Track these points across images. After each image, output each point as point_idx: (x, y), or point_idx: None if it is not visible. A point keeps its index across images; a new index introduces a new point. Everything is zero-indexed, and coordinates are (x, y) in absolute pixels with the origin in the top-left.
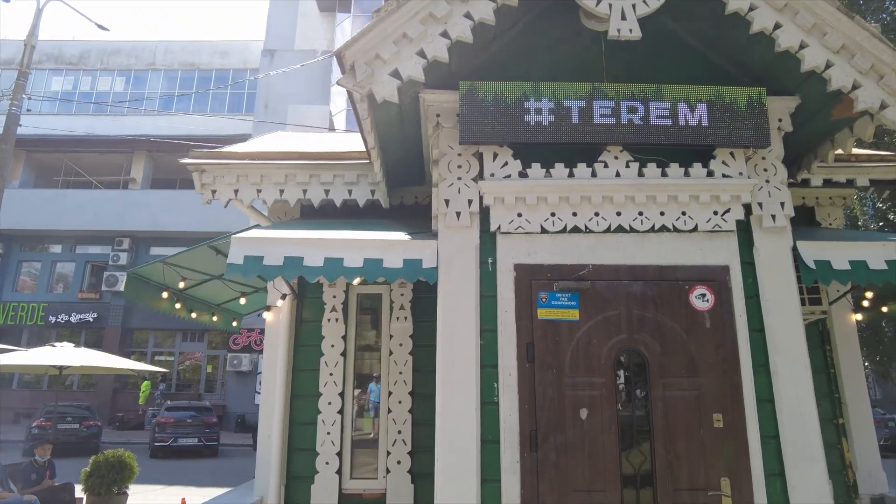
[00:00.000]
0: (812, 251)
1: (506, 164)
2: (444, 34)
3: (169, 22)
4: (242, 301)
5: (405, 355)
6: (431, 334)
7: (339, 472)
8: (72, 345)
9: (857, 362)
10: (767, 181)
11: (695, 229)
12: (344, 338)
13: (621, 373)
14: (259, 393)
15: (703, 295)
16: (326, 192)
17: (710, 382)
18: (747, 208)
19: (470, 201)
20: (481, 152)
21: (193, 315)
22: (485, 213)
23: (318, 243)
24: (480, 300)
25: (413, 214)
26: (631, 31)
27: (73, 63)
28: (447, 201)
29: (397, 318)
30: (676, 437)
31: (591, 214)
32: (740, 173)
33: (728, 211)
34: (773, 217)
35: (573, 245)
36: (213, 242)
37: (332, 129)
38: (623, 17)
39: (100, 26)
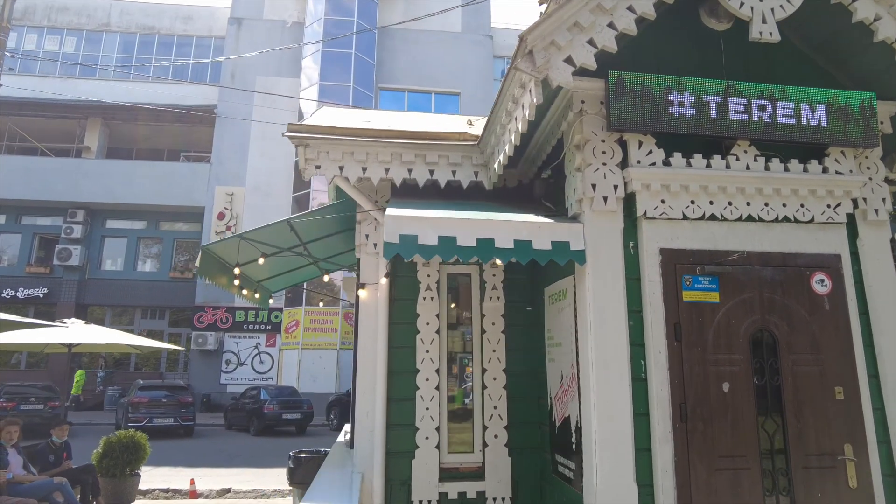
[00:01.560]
0: None
1: (650, 152)
2: (611, 25)
3: None
4: (326, 279)
5: (498, 334)
6: (522, 314)
7: (437, 446)
8: (81, 322)
9: None
10: (870, 178)
11: (811, 220)
12: (438, 316)
13: (756, 350)
14: (226, 372)
15: (822, 280)
16: (431, 171)
17: (830, 359)
18: (854, 203)
19: (616, 186)
20: (625, 140)
21: (245, 292)
22: (628, 198)
23: (469, 224)
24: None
25: (510, 196)
26: (771, 34)
27: (15, 18)
28: (594, 186)
29: (490, 298)
30: (804, 408)
31: (725, 203)
32: (850, 171)
33: (839, 205)
34: (876, 211)
35: (709, 232)
36: (290, 219)
37: (299, 105)
38: (764, 21)
39: None
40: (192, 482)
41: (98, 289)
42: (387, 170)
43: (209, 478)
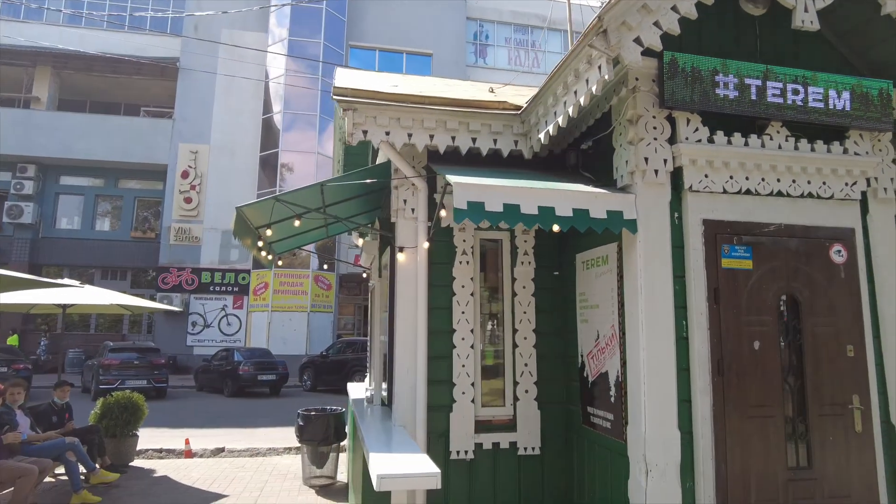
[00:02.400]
0: None
1: (696, 129)
2: (674, 9)
3: None
4: (359, 241)
5: (528, 296)
6: (550, 278)
7: (473, 401)
8: (77, 282)
9: None
10: (882, 160)
11: (831, 197)
12: (472, 279)
13: (781, 312)
14: (192, 334)
15: (839, 251)
16: (473, 139)
17: (843, 321)
18: (867, 181)
19: (665, 161)
20: (674, 117)
21: (263, 254)
22: (675, 172)
23: (532, 193)
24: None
25: (544, 166)
26: (812, 22)
27: None
28: (646, 159)
29: (521, 263)
30: (821, 364)
31: (759, 179)
32: (866, 152)
33: (856, 183)
34: (885, 189)
35: (744, 205)
36: (324, 182)
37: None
38: (805, 10)
39: None
40: (187, 441)
41: (53, 248)
42: (431, 136)
43: (196, 438)
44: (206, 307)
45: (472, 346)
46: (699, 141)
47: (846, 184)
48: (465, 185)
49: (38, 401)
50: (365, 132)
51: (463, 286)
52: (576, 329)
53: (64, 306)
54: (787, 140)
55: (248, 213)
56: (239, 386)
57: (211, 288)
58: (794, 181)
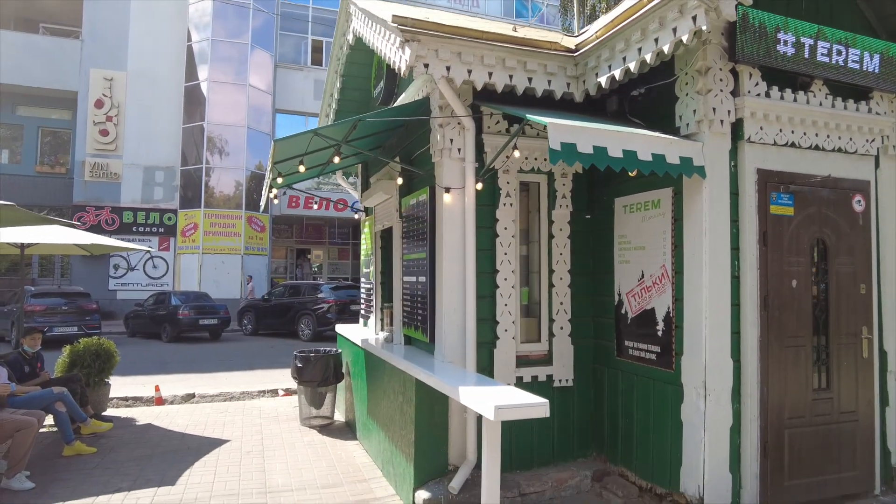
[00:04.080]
0: None
1: (757, 83)
2: None
3: None
4: (342, 182)
5: (564, 238)
6: (583, 221)
7: (514, 338)
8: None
9: None
10: (894, 120)
11: (855, 152)
12: (514, 221)
13: (813, 255)
14: (115, 277)
15: (860, 201)
16: (529, 79)
17: (859, 263)
18: (882, 139)
19: (728, 112)
20: (738, 71)
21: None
22: (736, 123)
23: (617, 136)
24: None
25: (588, 110)
26: None
27: None
28: (714, 109)
29: (560, 206)
30: (842, 300)
31: (801, 133)
32: (885, 112)
33: (874, 140)
34: (894, 147)
35: (789, 156)
36: (363, 117)
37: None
38: None
39: None
40: (157, 388)
41: None
42: (490, 73)
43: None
44: None
45: (513, 287)
46: (759, 95)
47: (866, 140)
48: (558, 126)
49: None
50: (426, 66)
51: (506, 228)
52: (611, 269)
53: (22, 246)
54: (826, 97)
55: (280, 147)
56: (178, 331)
57: (134, 229)
58: (828, 136)
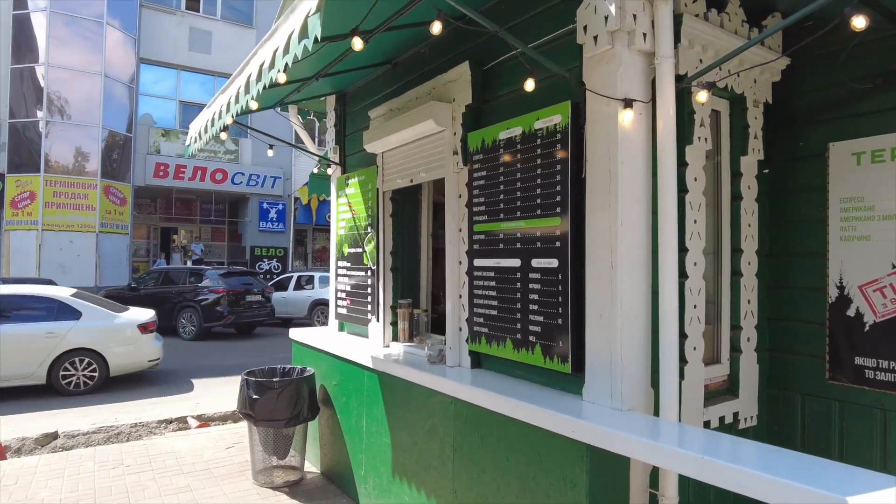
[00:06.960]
0: None
1: None
2: None
3: None
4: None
5: (752, 202)
6: (762, 177)
7: (702, 359)
8: None
9: None
10: None
11: None
12: (704, 168)
13: None
14: None
15: None
16: None
17: None
18: None
19: None
20: None
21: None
22: None
23: None
24: None
25: None
26: None
27: None
28: None
29: (752, 150)
30: None
31: None
32: None
33: None
34: None
35: None
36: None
37: None
38: None
39: None
40: None
41: None
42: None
43: None
44: None
45: (703, 277)
46: None
47: None
48: None
49: None
50: None
51: (696, 179)
52: (823, 250)
53: None
54: None
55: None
56: None
57: None
58: None
